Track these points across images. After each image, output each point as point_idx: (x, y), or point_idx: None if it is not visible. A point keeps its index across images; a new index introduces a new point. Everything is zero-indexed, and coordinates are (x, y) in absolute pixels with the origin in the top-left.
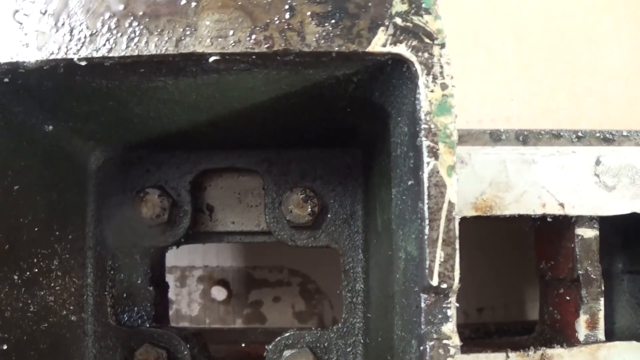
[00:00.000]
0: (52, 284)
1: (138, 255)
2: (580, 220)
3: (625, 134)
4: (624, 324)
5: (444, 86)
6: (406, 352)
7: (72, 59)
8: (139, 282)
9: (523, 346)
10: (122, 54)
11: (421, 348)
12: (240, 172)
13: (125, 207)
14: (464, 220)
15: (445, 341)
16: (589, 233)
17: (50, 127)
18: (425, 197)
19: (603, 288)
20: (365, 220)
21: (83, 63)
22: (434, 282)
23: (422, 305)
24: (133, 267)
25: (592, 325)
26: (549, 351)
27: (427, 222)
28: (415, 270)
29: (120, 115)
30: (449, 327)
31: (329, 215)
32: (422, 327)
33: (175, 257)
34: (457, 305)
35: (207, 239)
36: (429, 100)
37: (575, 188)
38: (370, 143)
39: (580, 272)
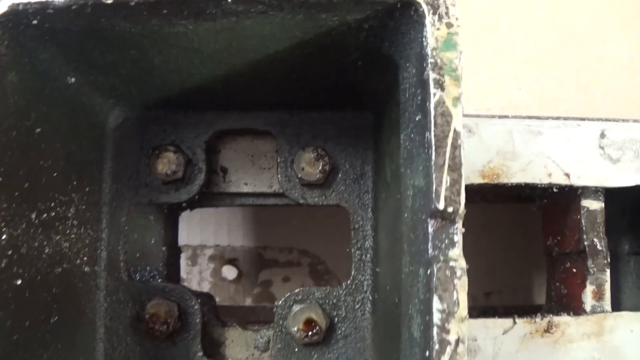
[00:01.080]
0: (68, 232)
1: (152, 215)
2: (586, 191)
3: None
4: (630, 304)
5: (449, 25)
6: (414, 284)
7: None
8: (152, 242)
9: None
10: None
11: (428, 272)
12: (254, 135)
13: (141, 165)
14: (471, 188)
15: (452, 263)
16: (594, 205)
17: (73, 80)
18: (432, 125)
19: (609, 260)
20: (374, 180)
21: (110, 1)
22: (441, 205)
23: (430, 230)
24: (147, 228)
25: (598, 296)
26: (556, 319)
27: (433, 149)
28: (422, 200)
29: (140, 67)
30: (456, 252)
31: (339, 175)
32: (430, 251)
33: (187, 236)
34: (463, 230)
35: (220, 200)
36: (435, 38)
37: (580, 159)
38: (381, 104)
39: (586, 243)
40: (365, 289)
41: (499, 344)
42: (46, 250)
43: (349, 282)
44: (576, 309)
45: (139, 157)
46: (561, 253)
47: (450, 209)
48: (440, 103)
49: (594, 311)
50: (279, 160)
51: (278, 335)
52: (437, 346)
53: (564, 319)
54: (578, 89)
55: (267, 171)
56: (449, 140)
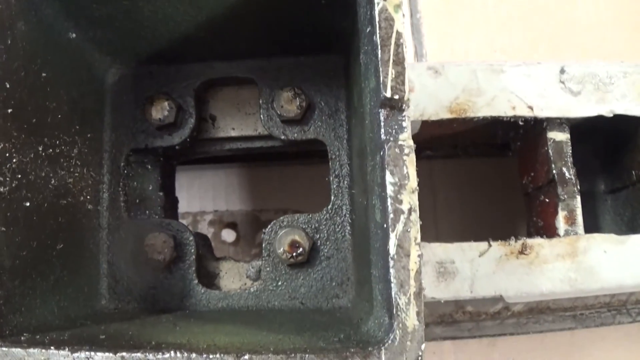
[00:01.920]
0: (72, 170)
1: (150, 165)
2: (551, 124)
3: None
4: None
5: None
6: (374, 174)
7: None
8: (151, 188)
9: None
10: None
11: (381, 153)
12: (238, 85)
13: (137, 115)
14: (441, 123)
15: (401, 142)
16: (560, 136)
17: (74, 35)
18: (377, 29)
19: (579, 187)
20: (347, 114)
21: None
22: (388, 94)
23: (381, 119)
24: (145, 176)
25: (570, 221)
26: (530, 241)
27: (379, 48)
28: (375, 96)
29: (132, 19)
30: (405, 135)
31: (315, 112)
32: (382, 137)
33: (187, 204)
34: (410, 117)
35: (211, 145)
36: None
37: (542, 93)
38: (348, 45)
39: (555, 171)
40: (344, 213)
41: (475, 266)
42: (52, 182)
43: (329, 207)
44: (550, 235)
45: (135, 108)
46: (535, 188)
47: (396, 97)
48: (384, 10)
49: (567, 234)
50: (260, 102)
51: (266, 260)
52: (392, 215)
53: (537, 241)
54: (550, 50)
55: (251, 116)
56: (392, 40)
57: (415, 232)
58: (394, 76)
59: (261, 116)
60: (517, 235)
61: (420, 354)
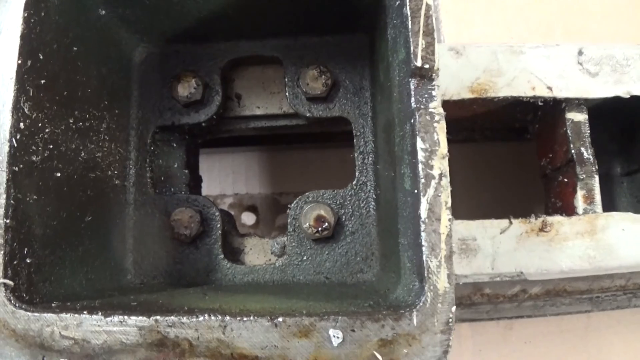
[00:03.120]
0: (100, 144)
1: (175, 142)
2: (569, 104)
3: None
4: None
5: None
6: (404, 143)
7: None
8: (176, 166)
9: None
10: None
11: (412, 121)
12: (263, 64)
13: (164, 93)
14: (462, 103)
15: (431, 110)
16: (578, 117)
17: (103, 12)
18: (407, 1)
19: (597, 167)
20: (372, 92)
21: None
22: (419, 63)
23: (412, 87)
24: (170, 153)
25: (589, 200)
26: (550, 218)
27: (409, 20)
28: (405, 67)
29: None
30: (435, 104)
31: (340, 90)
32: (413, 105)
33: (207, 187)
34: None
35: (236, 124)
36: None
37: (561, 74)
38: (373, 22)
39: (573, 151)
40: (368, 189)
41: (497, 243)
42: (82, 155)
43: (353, 183)
44: (569, 214)
45: (162, 86)
46: (554, 169)
47: (427, 66)
48: None
49: (585, 213)
50: (286, 80)
51: (292, 235)
52: (423, 180)
53: (557, 219)
54: (566, 34)
55: (276, 95)
56: (422, 12)
57: (445, 196)
58: (424, 46)
59: (287, 94)
60: (535, 214)
61: (451, 315)
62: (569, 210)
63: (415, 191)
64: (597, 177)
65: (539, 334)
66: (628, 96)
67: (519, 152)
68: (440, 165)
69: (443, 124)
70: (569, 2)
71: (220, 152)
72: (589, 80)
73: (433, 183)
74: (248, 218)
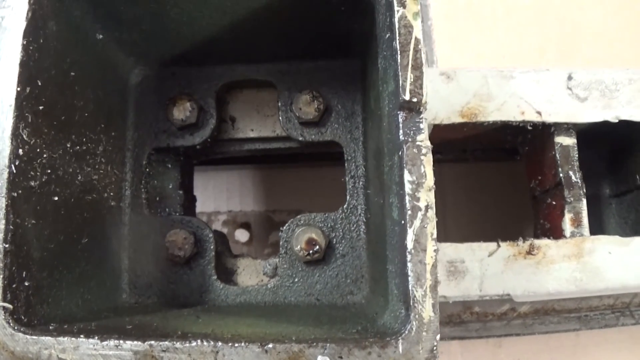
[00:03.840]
0: (97, 167)
1: (170, 164)
2: (558, 129)
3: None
4: None
5: None
6: (392, 173)
7: None
8: (171, 187)
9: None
10: None
11: (400, 153)
12: (258, 88)
13: (160, 115)
14: (452, 127)
15: (419, 143)
16: (567, 141)
17: (101, 36)
18: (397, 35)
19: (584, 191)
20: (363, 117)
21: None
22: (407, 96)
23: (400, 120)
24: (165, 174)
25: (577, 222)
26: (537, 242)
27: (399, 53)
28: (394, 99)
29: (158, 21)
30: (422, 137)
31: (332, 115)
32: (401, 137)
33: (202, 204)
34: (427, 120)
35: (230, 146)
36: None
37: (550, 99)
38: (365, 49)
39: (562, 175)
40: (359, 212)
41: (485, 266)
42: (79, 178)
43: (344, 207)
44: (557, 237)
45: (157, 108)
46: (542, 191)
47: (415, 99)
48: (403, 17)
49: (573, 236)
50: (279, 104)
51: (283, 257)
52: (409, 212)
53: (544, 242)
54: (559, 55)
55: (270, 118)
56: (411, 46)
57: (431, 228)
58: (412, 80)
59: (280, 118)
60: (524, 237)
61: (435, 344)
62: (556, 232)
63: (402, 222)
64: (584, 201)
65: (528, 351)
66: (616, 120)
67: (509, 171)
68: (427, 197)
69: (430, 157)
70: (561, 24)
71: (214, 170)
72: (578, 105)
73: (419, 214)
74: (242, 235)
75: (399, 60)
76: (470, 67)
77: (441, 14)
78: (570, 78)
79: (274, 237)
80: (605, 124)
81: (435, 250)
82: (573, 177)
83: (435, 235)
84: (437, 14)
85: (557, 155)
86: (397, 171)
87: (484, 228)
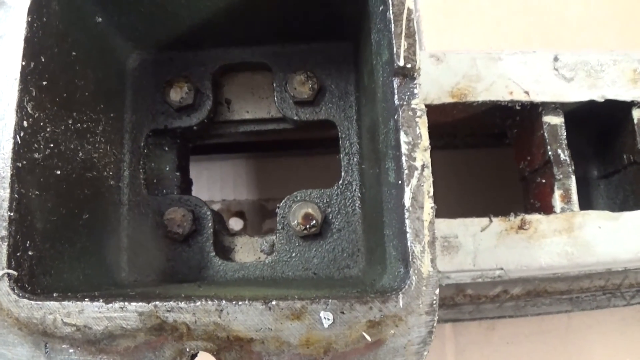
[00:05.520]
0: (97, 145)
1: (167, 146)
2: (546, 108)
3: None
4: None
5: None
6: (388, 139)
7: None
8: (168, 169)
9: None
10: None
11: (395, 117)
12: (252, 71)
13: (157, 98)
14: (443, 107)
15: (413, 106)
16: (555, 120)
17: (100, 19)
18: (390, 6)
19: (573, 168)
20: (357, 96)
21: None
22: (401, 62)
23: (395, 86)
24: (163, 157)
25: (566, 199)
26: (528, 217)
27: (392, 23)
28: (388, 67)
29: (156, 4)
30: (417, 100)
31: (326, 95)
32: (396, 102)
33: (196, 194)
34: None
35: (226, 128)
36: None
37: (537, 79)
38: (357, 29)
39: (550, 153)
40: (354, 188)
41: (478, 240)
42: (80, 155)
43: (339, 182)
44: (547, 212)
45: (155, 91)
46: (532, 171)
47: (409, 65)
48: None
49: (563, 211)
50: (274, 85)
51: (280, 232)
52: (406, 171)
53: (535, 217)
54: (545, 46)
55: (265, 100)
56: (404, 15)
57: (428, 186)
58: (406, 47)
59: (275, 98)
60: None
61: (434, 298)
62: (547, 210)
63: (400, 182)
64: (573, 178)
65: (521, 334)
66: (602, 100)
67: (498, 157)
68: (423, 157)
69: (424, 118)
70: (546, 15)
71: (208, 160)
72: (565, 85)
73: (416, 174)
74: (236, 224)
75: (392, 29)
76: (460, 50)
77: (429, 5)
78: (556, 59)
79: (268, 225)
80: (592, 103)
81: (432, 207)
82: (562, 155)
83: (432, 194)
84: (425, 5)
85: (546, 134)
86: (393, 135)
87: (474, 210)
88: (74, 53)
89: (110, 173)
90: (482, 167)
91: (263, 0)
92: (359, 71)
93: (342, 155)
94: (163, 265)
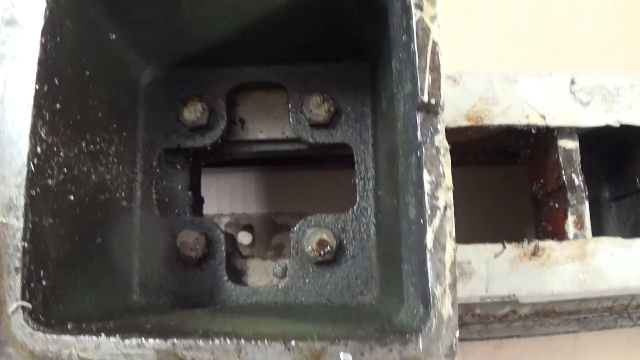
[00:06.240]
0: (109, 166)
1: (179, 164)
2: (561, 132)
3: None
4: None
5: None
6: (408, 173)
7: None
8: (180, 188)
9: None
10: None
11: (418, 154)
12: (267, 90)
13: (170, 116)
14: (459, 130)
15: (437, 144)
16: (570, 144)
17: (114, 36)
18: (415, 37)
19: (587, 193)
20: (373, 119)
21: None
22: (425, 98)
23: (418, 121)
24: (174, 175)
25: (579, 225)
26: (542, 243)
27: (417, 56)
28: (411, 100)
29: (172, 23)
30: (440, 137)
31: (342, 117)
32: (419, 138)
33: (205, 207)
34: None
35: (240, 147)
36: None
37: (554, 103)
38: (377, 52)
39: (565, 178)
40: (369, 214)
41: (491, 267)
42: (93, 177)
43: (354, 208)
44: (560, 239)
45: (168, 109)
46: (545, 194)
47: (432, 101)
48: (421, 20)
49: (576, 238)
50: (290, 106)
51: (294, 258)
52: (429, 211)
53: (548, 244)
54: (557, 62)
55: (279, 120)
56: (429, 48)
57: (450, 226)
58: (430, 82)
59: (290, 120)
60: (528, 239)
61: (454, 340)
62: (559, 234)
63: (421, 221)
64: (587, 203)
65: (528, 353)
66: (618, 125)
67: (510, 175)
68: (446, 196)
69: (448, 157)
70: (559, 31)
71: (217, 172)
72: (581, 109)
73: (438, 214)
74: (244, 237)
75: (417, 63)
76: (476, 71)
77: (442, 20)
78: (573, 82)
79: (277, 240)
80: (607, 128)
81: (454, 249)
82: (576, 180)
83: (454, 235)
84: (439, 23)
85: (560, 159)
86: (414, 171)
87: (485, 230)
88: (87, 72)
89: (123, 194)
90: (493, 184)
91: (280, 22)
92: (377, 94)
93: (357, 180)
94: (175, 288)
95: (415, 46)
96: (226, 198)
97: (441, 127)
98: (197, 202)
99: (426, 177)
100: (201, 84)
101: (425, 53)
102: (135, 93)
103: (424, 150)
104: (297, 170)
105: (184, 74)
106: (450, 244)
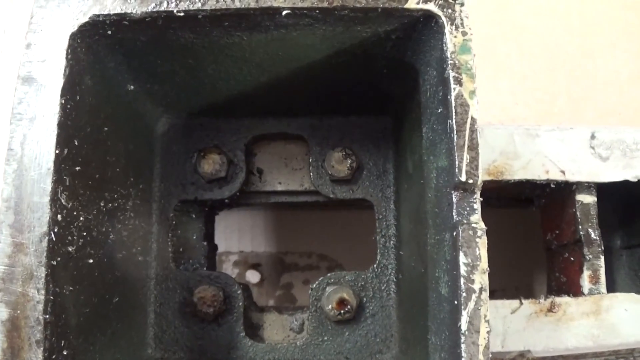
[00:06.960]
0: (126, 222)
1: (194, 214)
2: (580, 187)
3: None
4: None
5: (464, 33)
6: (440, 250)
7: (172, 11)
8: (195, 237)
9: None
10: (213, 7)
11: (454, 234)
12: (286, 140)
13: (187, 166)
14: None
15: (473, 225)
16: (588, 199)
17: (132, 87)
18: (453, 114)
19: (602, 248)
20: (395, 175)
21: (181, 14)
22: (463, 178)
23: (454, 200)
24: (189, 224)
25: (594, 280)
26: (558, 299)
27: (455, 133)
28: (446, 177)
29: (194, 75)
30: (476, 217)
31: (364, 172)
32: (455, 217)
33: None
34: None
35: (257, 198)
36: (454, 44)
37: (574, 158)
38: (400, 108)
39: (582, 232)
40: (389, 272)
41: (508, 323)
42: (111, 237)
43: (375, 266)
44: (575, 293)
45: (184, 158)
46: (559, 245)
47: (470, 181)
48: (460, 96)
49: (591, 293)
50: (310, 160)
51: (313, 315)
52: (464, 294)
53: (565, 300)
54: (570, 102)
55: (298, 171)
56: (468, 126)
57: (485, 310)
58: (468, 161)
59: (311, 174)
60: (537, 286)
61: None
62: (573, 287)
63: (455, 302)
64: (602, 258)
65: None
66: (636, 180)
67: (523, 219)
68: (481, 279)
69: (484, 239)
70: (573, 72)
71: (226, 210)
72: (600, 164)
73: (474, 297)
74: (252, 276)
75: (455, 140)
76: (497, 123)
77: None
78: (593, 137)
79: (286, 279)
80: (625, 182)
81: (488, 332)
82: (592, 235)
83: (488, 317)
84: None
85: (578, 213)
86: (449, 250)
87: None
88: (106, 128)
89: (139, 248)
90: (504, 228)
91: (306, 79)
92: (401, 153)
93: (378, 237)
94: (191, 343)
95: (453, 123)
96: (235, 235)
97: (477, 207)
98: (212, 251)
99: (462, 259)
100: (219, 133)
101: (463, 130)
102: (151, 142)
103: (460, 231)
104: (307, 210)
105: (201, 122)
106: (484, 327)
